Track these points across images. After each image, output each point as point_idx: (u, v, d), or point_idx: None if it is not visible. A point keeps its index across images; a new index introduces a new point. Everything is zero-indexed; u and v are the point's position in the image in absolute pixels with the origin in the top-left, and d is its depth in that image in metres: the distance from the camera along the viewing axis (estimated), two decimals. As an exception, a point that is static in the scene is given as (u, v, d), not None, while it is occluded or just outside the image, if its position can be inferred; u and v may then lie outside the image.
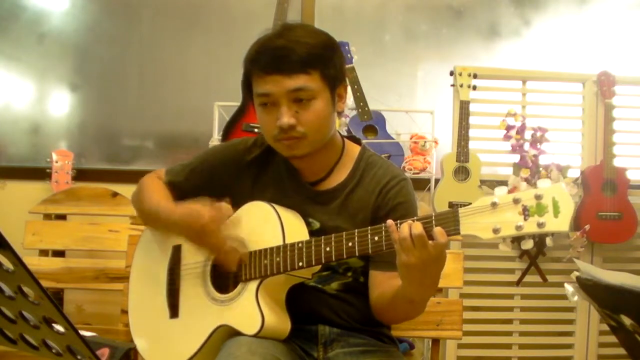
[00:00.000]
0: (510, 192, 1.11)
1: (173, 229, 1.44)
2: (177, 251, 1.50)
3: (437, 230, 1.14)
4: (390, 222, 1.19)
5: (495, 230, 1.10)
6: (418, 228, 1.14)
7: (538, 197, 1.07)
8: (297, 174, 1.47)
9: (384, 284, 1.36)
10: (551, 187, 1.07)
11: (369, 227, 1.23)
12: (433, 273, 1.21)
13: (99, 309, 2.75)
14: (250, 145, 1.52)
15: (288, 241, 1.33)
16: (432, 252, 1.15)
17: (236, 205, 1.45)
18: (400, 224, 1.17)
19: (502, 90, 3.00)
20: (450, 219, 1.14)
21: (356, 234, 1.25)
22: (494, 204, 1.10)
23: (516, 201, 1.09)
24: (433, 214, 1.17)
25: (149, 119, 3.09)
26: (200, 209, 1.36)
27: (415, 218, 1.18)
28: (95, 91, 3.07)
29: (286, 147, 1.38)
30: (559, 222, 1.05)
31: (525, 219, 1.08)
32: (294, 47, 1.32)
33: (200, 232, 1.35)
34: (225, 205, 1.37)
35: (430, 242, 1.14)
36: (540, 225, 1.06)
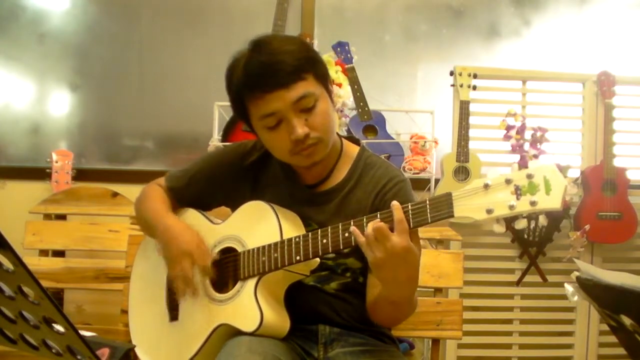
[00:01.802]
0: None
1: (166, 236, 1.43)
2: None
3: (397, 218, 1.17)
4: (353, 228, 1.21)
5: (489, 211, 1.11)
6: (377, 223, 1.18)
7: (529, 177, 1.08)
8: (295, 176, 1.47)
9: (376, 287, 1.36)
10: (542, 166, 1.09)
11: (365, 217, 1.24)
12: (404, 269, 1.21)
13: (99, 309, 2.75)
14: (249, 148, 1.52)
15: (285, 238, 1.33)
16: (397, 241, 1.16)
17: (237, 209, 1.46)
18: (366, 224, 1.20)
19: (502, 90, 3.00)
20: (443, 202, 1.16)
21: (352, 224, 1.25)
22: (486, 185, 1.12)
23: (508, 181, 1.10)
24: (427, 199, 1.18)
25: (149, 119, 3.09)
26: (205, 248, 1.39)
27: (410, 203, 1.20)
28: (95, 91, 3.07)
29: (305, 157, 1.37)
30: (551, 200, 1.06)
31: (517, 199, 1.09)
32: (282, 59, 1.30)
33: (190, 256, 1.37)
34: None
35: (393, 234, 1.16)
36: (532, 203, 1.07)
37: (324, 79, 1.37)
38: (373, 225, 1.17)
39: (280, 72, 1.29)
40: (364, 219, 1.23)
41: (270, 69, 1.29)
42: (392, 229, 1.17)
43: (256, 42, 1.35)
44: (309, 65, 1.33)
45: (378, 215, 1.22)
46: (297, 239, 1.31)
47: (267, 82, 1.29)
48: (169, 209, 1.52)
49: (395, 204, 1.19)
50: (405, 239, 1.17)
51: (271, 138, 1.36)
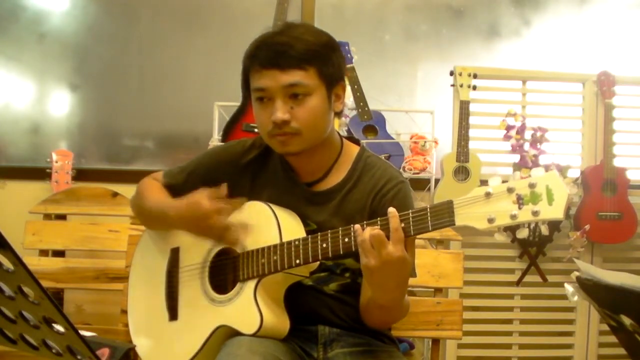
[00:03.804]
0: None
1: (175, 222, 1.44)
2: (175, 253, 1.51)
3: (393, 226, 1.17)
4: (357, 226, 1.21)
5: (490, 220, 1.10)
6: (376, 229, 1.18)
7: (532, 186, 1.07)
8: (294, 174, 1.47)
9: (368, 291, 1.36)
10: (544, 175, 1.08)
11: (365, 222, 1.24)
12: (394, 277, 1.21)
13: (99, 309, 2.75)
14: (248, 146, 1.52)
15: (285, 240, 1.33)
16: (392, 250, 1.16)
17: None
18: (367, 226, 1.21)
19: (502, 90, 3.00)
20: (444, 210, 1.15)
21: (352, 229, 1.25)
22: (487, 194, 1.11)
23: (510, 190, 1.09)
24: (428, 206, 1.18)
25: (149, 119, 3.09)
26: (199, 199, 1.37)
27: (411, 210, 1.19)
28: (95, 91, 3.07)
29: (280, 143, 1.37)
30: (554, 210, 1.06)
31: (519, 208, 1.08)
32: (293, 44, 1.32)
33: (201, 221, 1.36)
34: (224, 199, 1.38)
35: (389, 242, 1.16)
36: (534, 213, 1.07)
37: (328, 80, 1.37)
38: (371, 231, 1.17)
39: (284, 55, 1.32)
40: (364, 225, 1.22)
41: (277, 48, 1.33)
42: (388, 237, 1.17)
43: (289, 23, 1.40)
44: (316, 59, 1.34)
45: (378, 221, 1.21)
46: (296, 242, 1.31)
47: (267, 60, 1.33)
48: (169, 197, 1.51)
49: (391, 211, 1.19)
50: (400, 249, 1.17)
51: (258, 112, 1.39)
